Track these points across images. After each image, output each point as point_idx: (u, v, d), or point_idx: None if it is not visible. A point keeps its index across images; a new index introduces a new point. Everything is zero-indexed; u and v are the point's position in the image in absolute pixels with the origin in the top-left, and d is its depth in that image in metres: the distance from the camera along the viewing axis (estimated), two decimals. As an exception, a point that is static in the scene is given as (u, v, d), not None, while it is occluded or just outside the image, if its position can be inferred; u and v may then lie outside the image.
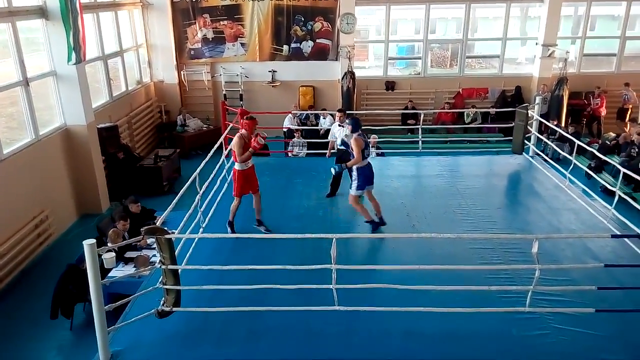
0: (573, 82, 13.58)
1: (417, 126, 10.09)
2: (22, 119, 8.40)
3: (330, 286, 4.43)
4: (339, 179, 7.49)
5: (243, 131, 6.27)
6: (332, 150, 7.96)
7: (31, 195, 8.28)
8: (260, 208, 6.60)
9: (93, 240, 4.05)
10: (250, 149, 6.19)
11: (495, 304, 4.72)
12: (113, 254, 5.97)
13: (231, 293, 4.72)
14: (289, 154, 11.13)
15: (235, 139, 6.20)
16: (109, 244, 6.41)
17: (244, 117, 6.40)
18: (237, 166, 6.31)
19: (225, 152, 8.16)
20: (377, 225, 6.48)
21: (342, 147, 7.25)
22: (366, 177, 6.32)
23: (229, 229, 6.44)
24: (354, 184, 6.34)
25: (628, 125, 13.54)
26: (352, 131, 6.26)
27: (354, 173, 6.31)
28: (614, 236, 6.09)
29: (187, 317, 4.72)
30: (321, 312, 4.59)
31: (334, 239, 4.32)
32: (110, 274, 6.23)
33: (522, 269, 5.05)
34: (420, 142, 9.68)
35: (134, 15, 13.07)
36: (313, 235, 4.66)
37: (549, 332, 4.61)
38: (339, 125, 7.53)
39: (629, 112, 13.60)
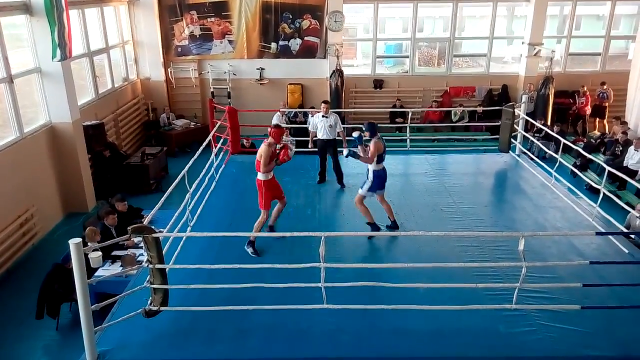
0: (559, 81, 13.72)
1: (405, 124, 10.14)
2: (6, 117, 8.28)
3: (319, 284, 4.43)
4: (325, 167, 7.89)
5: (271, 140, 6.02)
6: (315, 139, 8.09)
7: (16, 194, 8.17)
8: (278, 216, 6.36)
9: (79, 239, 4.01)
10: (277, 160, 5.99)
11: (482, 302, 4.77)
12: (99, 253, 5.90)
13: (219, 292, 4.70)
14: (277, 152, 11.08)
15: (264, 147, 5.93)
16: (89, 243, 6.35)
17: (272, 126, 6.19)
18: (261, 176, 5.99)
19: (214, 150, 8.12)
20: (386, 227, 6.45)
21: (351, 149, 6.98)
22: (381, 181, 6.27)
23: (250, 250, 5.94)
24: (367, 184, 6.28)
25: (605, 124, 13.76)
26: (371, 136, 6.18)
27: (370, 174, 6.26)
28: (599, 233, 6.19)
29: (175, 316, 4.69)
30: (310, 311, 4.60)
31: (323, 237, 4.32)
32: (96, 273, 6.17)
33: (509, 266, 5.10)
34: (408, 140, 9.72)
35: (120, 12, 12.93)
36: (302, 234, 4.66)
37: (535, 328, 4.66)
38: (323, 116, 7.70)
39: (607, 110, 13.81)
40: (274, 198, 6.19)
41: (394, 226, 6.44)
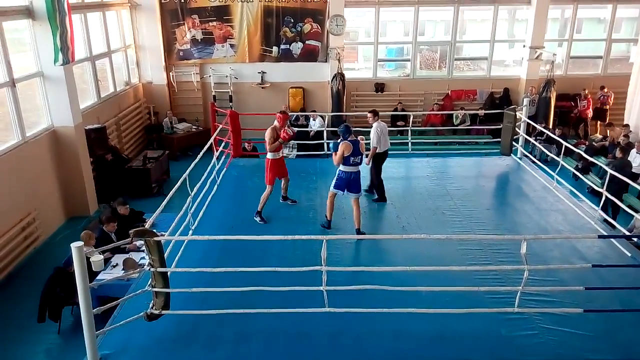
0: (560, 84, 13.73)
1: (406, 128, 10.14)
2: (9, 120, 8.30)
3: (321, 288, 4.43)
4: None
5: (276, 123, 6.85)
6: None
7: (18, 198, 8.19)
8: (287, 187, 7.34)
9: (81, 243, 4.02)
10: (280, 139, 6.73)
11: (484, 305, 4.75)
12: (101, 256, 5.90)
13: (221, 295, 4.70)
14: (279, 156, 11.10)
15: (268, 130, 6.81)
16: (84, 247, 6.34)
17: (279, 111, 7.03)
18: (269, 155, 6.85)
19: (216, 154, 8.13)
20: (326, 226, 6.62)
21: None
22: (342, 181, 6.38)
23: (257, 219, 6.81)
24: (333, 181, 6.53)
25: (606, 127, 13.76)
26: (343, 138, 6.28)
27: (337, 172, 6.47)
28: (601, 237, 6.17)
29: (177, 320, 4.69)
30: (311, 314, 4.59)
31: (324, 241, 4.32)
32: (98, 277, 6.17)
33: (511, 269, 5.09)
34: (409, 143, 9.73)
35: (122, 16, 12.98)
36: (303, 237, 4.67)
37: (537, 332, 4.65)
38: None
39: (607, 113, 13.81)
40: (279, 175, 7.04)
41: (358, 232, 6.42)
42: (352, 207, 6.52)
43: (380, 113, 7.71)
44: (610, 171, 6.89)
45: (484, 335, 4.63)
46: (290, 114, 13.23)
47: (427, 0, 14.11)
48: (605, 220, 7.04)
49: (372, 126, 7.41)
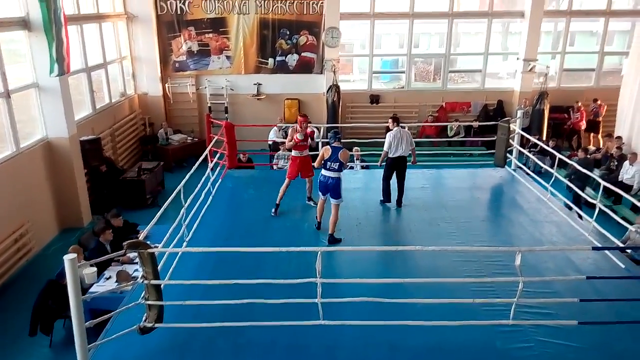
0: (553, 96, 13.85)
1: (401, 139, 10.15)
2: (3, 131, 8.28)
3: (316, 300, 4.40)
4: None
5: (296, 125, 7.40)
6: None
7: (11, 209, 8.14)
8: (312, 187, 7.58)
9: (74, 255, 3.98)
10: (293, 141, 7.22)
11: (479, 317, 4.74)
12: (94, 269, 5.89)
13: (215, 308, 4.67)
14: (274, 167, 11.11)
15: (289, 130, 7.51)
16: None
17: (300, 114, 7.82)
18: (293, 153, 7.39)
19: (211, 165, 8.12)
20: (317, 226, 6.92)
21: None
22: (320, 185, 6.69)
23: (273, 210, 7.34)
24: None
25: (600, 139, 13.86)
26: (329, 141, 6.65)
27: None
28: (595, 248, 6.19)
29: (170, 333, 4.64)
30: (306, 327, 4.56)
31: (319, 252, 4.30)
32: (91, 289, 6.12)
33: (506, 281, 5.09)
34: (404, 155, 9.73)
35: (118, 28, 13.02)
36: (298, 249, 4.65)
37: (532, 344, 4.64)
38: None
39: (600, 125, 13.93)
40: (301, 173, 7.44)
41: (317, 226, 6.87)
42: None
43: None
44: (575, 165, 7.72)
45: (479, 348, 4.61)
46: (285, 125, 13.34)
47: (422, 13, 14.26)
48: (568, 206, 7.93)
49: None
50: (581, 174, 7.71)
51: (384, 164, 7.77)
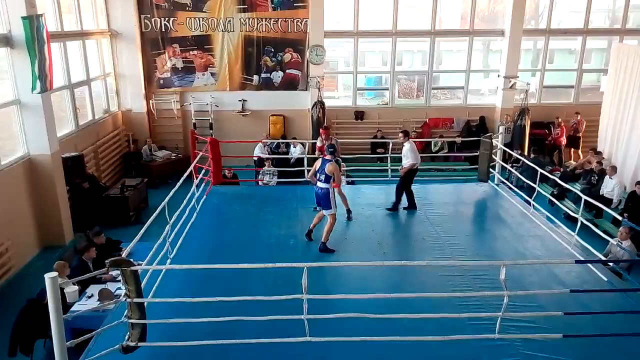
0: (534, 112, 14.09)
1: (386, 155, 10.25)
2: (-17, 148, 8.16)
3: (302, 317, 4.37)
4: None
5: (323, 137, 8.42)
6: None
7: (-10, 227, 7.98)
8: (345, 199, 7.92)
9: (55, 274, 3.92)
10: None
11: (466, 331, 4.75)
12: (76, 287, 5.78)
13: (200, 326, 4.60)
14: (260, 183, 11.10)
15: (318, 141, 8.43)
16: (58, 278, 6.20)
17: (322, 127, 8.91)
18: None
19: (195, 182, 8.07)
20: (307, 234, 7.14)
21: None
22: (314, 195, 7.01)
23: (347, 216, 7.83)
24: None
25: (580, 153, 14.10)
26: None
27: None
28: (578, 262, 6.26)
29: (153, 352, 4.57)
30: (293, 344, 4.52)
31: (305, 268, 4.29)
32: (73, 308, 5.99)
33: (491, 295, 5.11)
34: (389, 170, 9.82)
35: (102, 45, 12.98)
36: (284, 265, 4.62)
37: (519, 358, 4.65)
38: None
39: (580, 141, 14.20)
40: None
41: (308, 235, 7.11)
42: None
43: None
44: (528, 162, 8.20)
45: (466, 363, 4.61)
46: (270, 141, 13.37)
47: (404, 32, 14.47)
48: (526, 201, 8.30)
49: (404, 146, 8.38)
50: (535, 172, 8.22)
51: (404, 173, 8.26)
